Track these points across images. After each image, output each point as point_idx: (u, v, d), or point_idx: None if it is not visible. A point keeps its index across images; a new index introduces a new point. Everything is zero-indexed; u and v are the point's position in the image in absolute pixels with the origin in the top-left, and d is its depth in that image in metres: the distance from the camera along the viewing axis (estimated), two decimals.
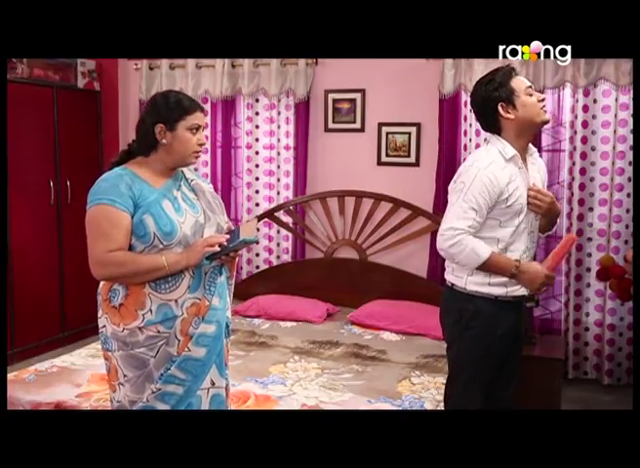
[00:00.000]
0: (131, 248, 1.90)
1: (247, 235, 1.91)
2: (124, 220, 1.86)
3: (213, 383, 1.96)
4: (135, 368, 1.91)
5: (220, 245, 1.91)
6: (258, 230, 4.30)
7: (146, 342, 1.89)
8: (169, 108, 1.93)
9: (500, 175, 2.12)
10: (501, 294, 2.17)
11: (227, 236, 1.94)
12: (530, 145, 2.27)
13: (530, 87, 2.17)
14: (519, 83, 2.15)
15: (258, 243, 4.08)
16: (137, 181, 1.91)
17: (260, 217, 4.26)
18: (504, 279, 2.16)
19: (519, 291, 2.19)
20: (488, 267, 2.12)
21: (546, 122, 2.25)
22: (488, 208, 2.12)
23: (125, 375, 1.92)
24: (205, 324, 1.91)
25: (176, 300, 1.91)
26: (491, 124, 2.21)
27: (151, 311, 1.89)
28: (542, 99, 2.19)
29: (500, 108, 2.15)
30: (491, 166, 2.13)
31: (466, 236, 2.11)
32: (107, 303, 1.95)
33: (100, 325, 1.99)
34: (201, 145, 1.98)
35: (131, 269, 1.87)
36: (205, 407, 1.95)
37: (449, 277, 2.27)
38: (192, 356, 1.89)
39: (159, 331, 1.90)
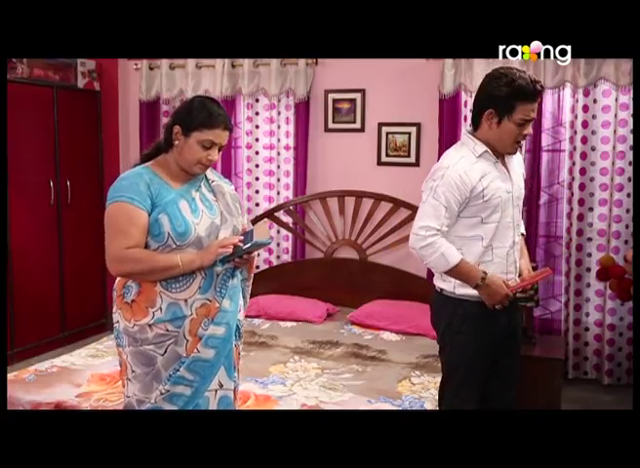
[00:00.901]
0: (146, 246, 1.92)
1: (260, 237, 1.93)
2: (142, 218, 1.88)
3: (221, 385, 1.96)
4: (143, 364, 1.92)
5: (234, 246, 1.92)
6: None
7: (155, 340, 1.91)
8: (194, 114, 1.92)
9: (470, 170, 2.12)
10: None
11: (241, 237, 1.94)
12: None
13: (527, 121, 2.10)
14: (523, 110, 2.08)
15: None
16: (156, 181, 1.93)
17: (260, 217, 4.26)
18: None
19: None
20: (455, 274, 2.12)
21: (510, 153, 2.21)
22: (459, 204, 2.11)
23: (133, 371, 1.94)
24: (214, 326, 1.92)
25: (185, 300, 1.92)
26: (474, 117, 2.21)
27: (161, 309, 1.90)
28: (524, 136, 2.14)
29: (486, 112, 2.13)
30: (460, 162, 2.13)
31: (439, 238, 2.10)
32: (121, 299, 1.97)
33: (115, 320, 2.01)
34: (209, 160, 1.95)
35: (147, 266, 1.88)
36: (213, 408, 1.95)
37: (437, 282, 2.26)
38: (201, 357, 1.90)
39: (168, 330, 1.91)
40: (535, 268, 2.53)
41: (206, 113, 1.92)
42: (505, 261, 2.19)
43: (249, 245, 1.91)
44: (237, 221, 2.05)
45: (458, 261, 2.09)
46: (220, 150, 1.98)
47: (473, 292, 2.15)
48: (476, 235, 2.16)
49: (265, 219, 4.13)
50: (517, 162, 2.30)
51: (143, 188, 1.89)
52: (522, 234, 2.33)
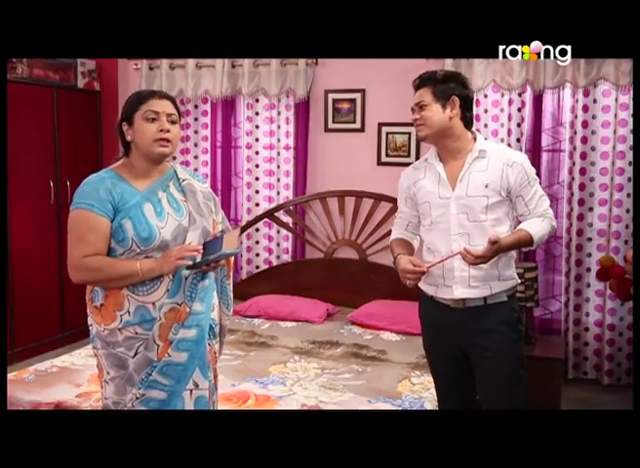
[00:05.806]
0: (111, 251, 1.89)
1: (229, 246, 1.88)
2: (101, 225, 1.85)
3: (196, 385, 1.94)
4: (116, 366, 1.92)
5: (202, 255, 1.88)
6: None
7: (125, 343, 1.90)
8: (127, 104, 1.94)
9: (405, 175, 2.39)
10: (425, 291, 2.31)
11: (200, 248, 1.88)
12: (481, 144, 2.16)
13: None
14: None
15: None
16: (119, 184, 1.89)
17: (259, 217, 4.26)
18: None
19: (442, 292, 2.22)
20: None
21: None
22: (404, 199, 2.40)
23: (108, 373, 1.94)
24: (185, 329, 1.89)
25: (153, 303, 1.89)
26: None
27: (129, 312, 1.88)
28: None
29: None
30: (409, 166, 2.40)
31: (398, 220, 2.44)
32: (91, 303, 1.96)
33: (89, 324, 2.00)
34: (162, 131, 1.89)
35: (106, 275, 1.87)
36: (189, 408, 1.93)
37: None
38: (173, 361, 1.88)
39: (137, 333, 1.89)
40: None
41: (136, 95, 1.96)
42: (442, 267, 2.14)
43: (215, 255, 1.86)
44: (208, 222, 2.00)
45: (391, 238, 2.41)
46: (173, 123, 1.93)
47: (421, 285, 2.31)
48: (420, 235, 2.34)
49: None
50: (489, 169, 2.10)
51: (104, 194, 1.86)
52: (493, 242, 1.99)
